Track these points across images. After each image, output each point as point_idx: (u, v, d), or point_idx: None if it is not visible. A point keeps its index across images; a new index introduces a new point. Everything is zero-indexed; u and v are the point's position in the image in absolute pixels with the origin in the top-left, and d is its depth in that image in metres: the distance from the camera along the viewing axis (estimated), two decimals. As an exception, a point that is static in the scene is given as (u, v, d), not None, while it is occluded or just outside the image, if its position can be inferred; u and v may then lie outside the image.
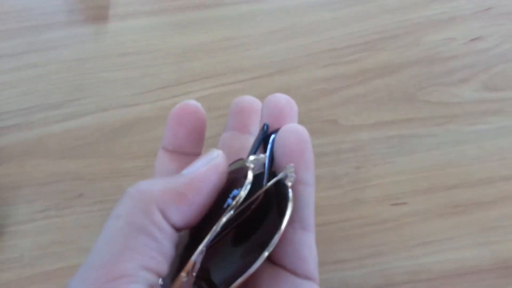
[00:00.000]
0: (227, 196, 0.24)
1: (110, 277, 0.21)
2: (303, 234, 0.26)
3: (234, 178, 0.26)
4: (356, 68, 0.51)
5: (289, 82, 0.50)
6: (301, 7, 0.57)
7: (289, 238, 0.25)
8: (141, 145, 0.47)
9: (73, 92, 0.51)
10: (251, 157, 0.26)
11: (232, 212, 0.23)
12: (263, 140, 0.28)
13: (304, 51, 0.53)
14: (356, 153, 0.45)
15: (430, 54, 0.51)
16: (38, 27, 0.57)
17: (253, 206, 0.26)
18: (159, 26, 0.57)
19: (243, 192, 0.24)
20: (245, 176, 0.24)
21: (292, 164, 0.26)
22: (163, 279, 0.23)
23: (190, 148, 0.29)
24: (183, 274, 0.23)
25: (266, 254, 0.23)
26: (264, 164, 0.27)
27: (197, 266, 0.24)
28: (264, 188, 0.26)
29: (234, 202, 0.23)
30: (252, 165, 0.25)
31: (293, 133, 0.26)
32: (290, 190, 0.25)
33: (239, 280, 0.24)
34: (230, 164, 0.28)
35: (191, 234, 0.25)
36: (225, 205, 0.24)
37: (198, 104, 0.29)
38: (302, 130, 0.26)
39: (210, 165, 0.25)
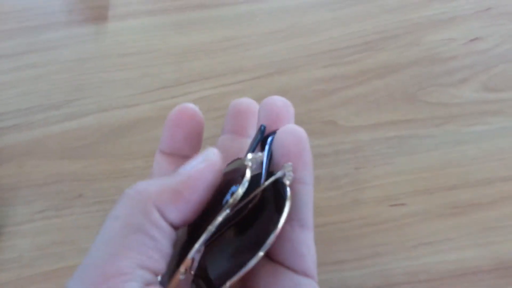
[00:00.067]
0: (225, 195, 0.25)
1: (107, 276, 0.21)
2: (301, 232, 0.26)
3: (232, 177, 0.26)
4: (356, 69, 0.51)
5: (288, 83, 0.50)
6: (301, 7, 0.57)
7: (287, 236, 0.25)
8: (141, 146, 0.47)
9: (73, 92, 0.51)
10: (249, 155, 0.26)
11: (228, 211, 0.23)
12: (260, 141, 0.28)
13: (304, 51, 0.53)
14: (355, 154, 0.45)
15: (430, 54, 0.51)
16: (38, 27, 0.57)
17: (250, 205, 0.26)
18: (159, 26, 0.57)
19: (240, 189, 0.24)
20: (243, 174, 0.24)
21: (290, 163, 0.26)
22: (162, 277, 0.24)
23: (188, 151, 0.30)
24: (180, 271, 0.23)
25: (261, 253, 0.23)
26: (262, 163, 0.27)
27: (195, 264, 0.24)
28: (262, 186, 0.26)
29: (231, 200, 0.24)
30: (250, 163, 0.25)
31: (291, 134, 0.26)
32: (288, 189, 0.25)
33: (233, 279, 0.24)
34: (228, 164, 0.28)
35: (189, 231, 0.25)
36: (224, 202, 0.24)
37: (196, 107, 0.30)
38: (300, 130, 0.26)
39: (206, 163, 0.25)
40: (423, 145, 0.45)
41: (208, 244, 0.25)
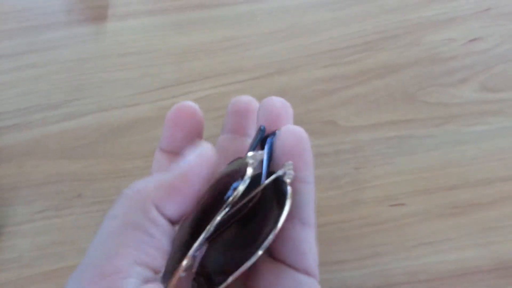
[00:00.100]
0: (226, 193, 0.25)
1: (104, 275, 0.21)
2: (303, 230, 0.26)
3: (233, 176, 0.26)
4: (356, 69, 0.51)
5: (288, 83, 0.50)
6: (301, 7, 0.57)
7: (289, 234, 0.26)
8: (141, 145, 0.47)
9: (73, 92, 0.51)
10: (250, 153, 0.26)
11: (227, 209, 0.23)
12: (260, 141, 0.28)
13: (304, 51, 0.53)
14: (355, 154, 0.45)
15: (430, 54, 0.51)
16: (38, 27, 0.57)
17: (250, 204, 0.26)
18: (159, 26, 0.56)
19: (241, 186, 0.24)
20: (244, 172, 0.25)
21: (290, 162, 0.26)
22: (163, 274, 0.24)
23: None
24: (181, 268, 0.23)
25: (260, 252, 0.24)
26: (262, 163, 0.27)
27: (197, 261, 0.24)
28: (263, 184, 0.26)
29: (232, 197, 0.24)
30: (251, 161, 0.25)
31: (292, 134, 0.26)
32: (288, 187, 0.25)
33: (232, 277, 0.24)
34: (229, 164, 0.28)
35: (189, 228, 0.26)
36: (225, 197, 0.24)
37: (196, 106, 0.29)
38: (300, 130, 0.26)
39: (201, 158, 0.25)
40: (423, 145, 0.45)
41: (209, 241, 0.25)
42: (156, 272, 0.24)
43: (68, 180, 0.45)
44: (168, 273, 0.24)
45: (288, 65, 0.52)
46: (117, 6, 0.58)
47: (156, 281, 0.23)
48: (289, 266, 0.26)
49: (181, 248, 0.24)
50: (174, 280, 0.23)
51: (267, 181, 0.26)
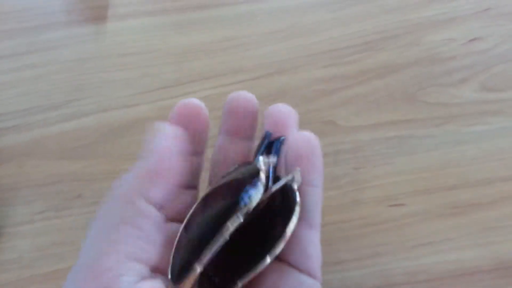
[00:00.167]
0: (235, 196, 0.25)
1: (96, 274, 0.21)
2: (309, 232, 0.26)
3: (243, 180, 0.26)
4: (356, 69, 0.51)
5: (288, 83, 0.50)
6: (301, 7, 0.57)
7: (295, 236, 0.26)
8: (141, 146, 0.47)
9: (73, 93, 0.51)
10: (261, 159, 0.26)
11: (241, 218, 0.23)
12: (267, 147, 0.28)
13: (304, 52, 0.53)
14: (355, 154, 0.45)
15: (430, 54, 0.51)
16: (38, 27, 0.57)
17: (259, 208, 0.26)
18: (159, 26, 0.56)
19: (256, 195, 0.24)
20: (258, 178, 0.25)
21: (298, 168, 0.26)
22: (172, 273, 0.24)
23: (193, 149, 0.29)
24: (194, 273, 0.23)
25: (268, 260, 0.24)
26: (271, 168, 0.27)
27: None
28: (272, 190, 0.26)
29: (245, 208, 0.24)
30: (263, 167, 0.25)
31: (304, 139, 0.27)
32: (297, 194, 0.25)
33: (241, 283, 0.24)
34: (236, 168, 0.28)
35: (200, 231, 0.25)
36: (242, 204, 0.24)
37: (202, 104, 0.29)
38: (312, 136, 0.27)
39: (168, 136, 0.26)
40: (423, 145, 0.45)
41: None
42: (152, 267, 0.24)
43: (68, 180, 0.45)
44: (179, 275, 0.24)
45: (288, 65, 0.52)
46: (117, 6, 0.58)
47: (156, 279, 0.23)
48: (293, 266, 0.26)
49: (192, 251, 0.24)
50: (189, 285, 0.23)
51: (275, 187, 0.26)
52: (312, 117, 0.48)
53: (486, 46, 0.52)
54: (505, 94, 0.48)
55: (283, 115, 0.29)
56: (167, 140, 0.26)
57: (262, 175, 0.25)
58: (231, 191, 0.26)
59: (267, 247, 0.24)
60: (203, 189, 0.30)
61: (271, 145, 0.28)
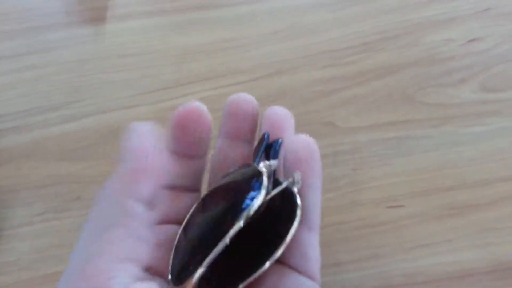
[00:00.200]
0: (236, 198, 0.25)
1: (87, 277, 0.21)
2: (308, 234, 0.26)
3: (243, 183, 0.26)
4: (355, 69, 0.51)
5: (288, 83, 0.50)
6: (301, 8, 0.57)
7: (294, 238, 0.26)
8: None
9: (72, 94, 0.51)
10: (262, 163, 0.26)
11: (241, 223, 0.23)
12: (265, 149, 0.28)
13: (303, 52, 0.53)
14: (353, 155, 0.45)
15: (429, 54, 0.51)
16: (38, 28, 0.57)
17: (259, 212, 0.26)
18: (159, 27, 0.57)
19: (259, 200, 0.24)
20: (260, 182, 0.25)
21: (299, 172, 0.26)
22: (172, 274, 0.24)
23: (195, 152, 0.29)
24: (195, 277, 0.23)
25: (267, 265, 0.24)
26: (274, 171, 0.27)
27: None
28: (273, 193, 0.26)
29: (245, 213, 0.23)
30: (265, 170, 0.26)
31: (303, 143, 0.27)
32: (298, 198, 0.25)
33: (240, 286, 0.24)
34: (236, 169, 0.28)
35: (200, 233, 0.25)
36: (244, 206, 0.24)
37: (204, 107, 0.29)
38: (311, 140, 0.27)
39: (145, 133, 0.26)
40: (420, 146, 0.45)
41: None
42: (145, 267, 0.24)
43: (67, 182, 0.45)
44: (179, 276, 0.24)
45: (288, 66, 0.52)
46: (116, 7, 0.58)
47: (152, 281, 0.23)
48: (293, 268, 0.26)
49: (193, 252, 0.24)
50: (190, 286, 0.23)
51: (275, 191, 0.26)
52: (311, 118, 0.48)
53: (485, 46, 0.51)
54: (505, 94, 0.48)
55: (280, 118, 0.29)
56: (143, 138, 0.26)
57: (265, 179, 0.25)
58: (231, 192, 0.26)
59: (268, 251, 0.24)
60: (203, 190, 0.30)
61: (269, 147, 0.28)
